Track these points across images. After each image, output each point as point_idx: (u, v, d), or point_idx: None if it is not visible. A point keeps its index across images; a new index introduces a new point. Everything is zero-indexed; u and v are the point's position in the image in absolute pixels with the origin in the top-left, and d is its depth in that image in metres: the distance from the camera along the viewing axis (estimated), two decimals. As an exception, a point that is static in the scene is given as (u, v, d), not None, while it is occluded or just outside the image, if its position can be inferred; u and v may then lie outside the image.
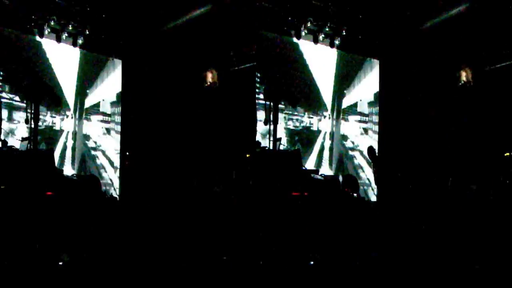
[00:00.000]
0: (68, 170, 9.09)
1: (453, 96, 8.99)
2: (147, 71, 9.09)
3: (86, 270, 5.84)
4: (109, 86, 9.51)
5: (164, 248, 6.61)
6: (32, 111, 5.49)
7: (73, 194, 7.86)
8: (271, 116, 4.85)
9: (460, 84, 8.99)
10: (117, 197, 9.28)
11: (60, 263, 5.85)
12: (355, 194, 8.20)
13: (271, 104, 5.02)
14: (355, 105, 10.00)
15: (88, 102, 9.43)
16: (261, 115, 7.77)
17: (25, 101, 4.90)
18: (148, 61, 9.11)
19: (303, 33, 9.10)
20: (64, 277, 5.61)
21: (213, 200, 7.55)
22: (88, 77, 9.36)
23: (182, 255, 6.33)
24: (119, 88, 9.49)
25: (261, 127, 8.02)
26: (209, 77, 8.83)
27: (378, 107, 9.91)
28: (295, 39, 9.12)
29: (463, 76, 9.06)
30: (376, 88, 9.97)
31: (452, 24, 8.92)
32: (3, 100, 8.22)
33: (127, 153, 9.27)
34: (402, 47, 9.45)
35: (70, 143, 9.21)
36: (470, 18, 8.80)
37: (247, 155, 7.56)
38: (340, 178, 8.82)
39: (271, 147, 6.35)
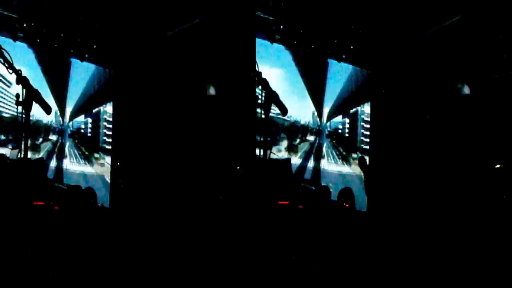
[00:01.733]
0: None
1: (446, 107, 8.99)
2: (140, 82, 9.07)
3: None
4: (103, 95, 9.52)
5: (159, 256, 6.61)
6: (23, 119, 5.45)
7: (64, 203, 7.85)
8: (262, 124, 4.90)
9: (454, 95, 8.99)
10: (108, 207, 9.25)
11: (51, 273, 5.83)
12: (347, 205, 8.24)
13: (262, 112, 5.04)
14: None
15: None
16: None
17: (15, 109, 4.88)
18: (142, 72, 9.08)
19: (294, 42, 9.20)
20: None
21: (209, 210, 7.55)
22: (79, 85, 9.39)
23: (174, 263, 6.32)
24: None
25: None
26: (209, 88, 8.81)
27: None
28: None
29: (458, 87, 9.06)
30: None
31: (445, 35, 8.95)
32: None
33: (118, 164, 9.24)
34: (394, 57, 9.46)
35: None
36: (463, 29, 8.83)
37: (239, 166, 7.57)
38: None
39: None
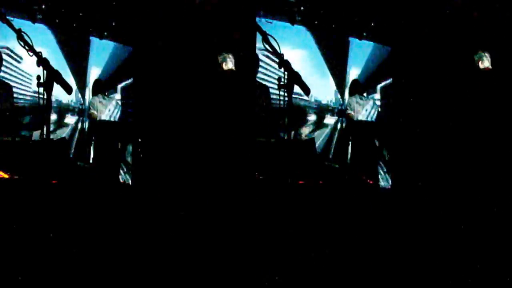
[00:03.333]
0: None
1: (469, 84, 8.88)
2: (158, 57, 9.03)
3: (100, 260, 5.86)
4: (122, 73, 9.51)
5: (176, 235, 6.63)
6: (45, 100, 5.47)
7: (86, 182, 7.91)
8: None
9: (478, 70, 8.86)
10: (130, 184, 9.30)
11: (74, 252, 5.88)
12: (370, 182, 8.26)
13: (285, 93, 5.05)
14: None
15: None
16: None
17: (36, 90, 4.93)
18: (160, 47, 9.04)
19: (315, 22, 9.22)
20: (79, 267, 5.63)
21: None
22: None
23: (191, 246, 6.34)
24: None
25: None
26: (225, 61, 8.77)
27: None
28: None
29: (481, 61, 8.94)
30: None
31: (468, 8, 8.84)
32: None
33: (139, 140, 9.26)
34: (415, 32, 9.37)
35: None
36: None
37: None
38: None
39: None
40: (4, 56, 8.42)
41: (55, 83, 5.00)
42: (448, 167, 8.57)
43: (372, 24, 9.62)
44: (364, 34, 9.71)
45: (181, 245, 6.67)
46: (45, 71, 4.95)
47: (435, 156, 8.79)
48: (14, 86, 8.45)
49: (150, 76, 9.13)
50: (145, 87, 9.22)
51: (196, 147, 8.58)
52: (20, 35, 5.01)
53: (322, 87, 9.59)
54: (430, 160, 8.78)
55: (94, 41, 9.29)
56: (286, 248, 5.61)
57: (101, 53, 9.41)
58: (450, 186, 8.27)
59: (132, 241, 6.67)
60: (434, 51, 9.13)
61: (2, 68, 8.43)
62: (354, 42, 9.78)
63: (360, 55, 9.89)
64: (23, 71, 8.50)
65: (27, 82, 8.50)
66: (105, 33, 9.30)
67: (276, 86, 5.24)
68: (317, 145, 9.04)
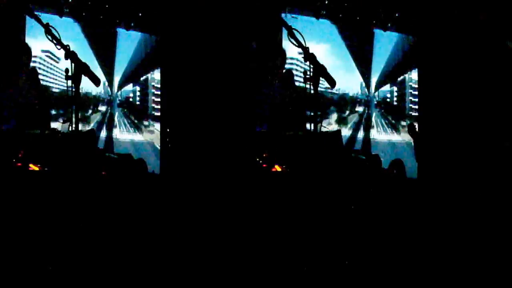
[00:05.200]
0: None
1: (496, 74, 8.77)
2: (186, 46, 9.02)
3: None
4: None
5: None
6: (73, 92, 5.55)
7: (116, 173, 7.99)
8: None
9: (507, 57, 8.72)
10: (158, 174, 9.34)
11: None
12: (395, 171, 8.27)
13: (311, 86, 5.09)
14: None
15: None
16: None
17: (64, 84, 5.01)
18: (187, 35, 9.02)
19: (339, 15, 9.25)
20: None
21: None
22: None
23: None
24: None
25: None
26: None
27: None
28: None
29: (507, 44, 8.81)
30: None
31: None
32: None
33: (168, 130, 9.29)
34: (440, 20, 9.27)
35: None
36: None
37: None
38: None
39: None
40: (47, 59, 8.55)
41: (83, 76, 5.08)
42: (475, 158, 8.51)
43: (397, 14, 9.60)
44: (389, 25, 9.70)
45: (209, 233, 6.73)
46: (73, 64, 5.03)
47: (462, 147, 8.73)
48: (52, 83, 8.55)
49: (177, 66, 9.15)
50: (172, 77, 9.25)
51: (223, 137, 8.61)
52: (48, 30, 5.10)
53: (348, 80, 9.61)
54: (457, 150, 8.73)
55: (121, 32, 9.33)
56: (313, 237, 5.65)
57: (128, 44, 9.46)
58: (478, 177, 8.22)
59: (158, 231, 6.74)
60: (460, 39, 9.04)
61: (44, 69, 8.55)
62: (379, 33, 9.77)
63: (385, 46, 9.88)
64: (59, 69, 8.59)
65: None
66: (132, 24, 9.34)
67: (302, 80, 5.29)
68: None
